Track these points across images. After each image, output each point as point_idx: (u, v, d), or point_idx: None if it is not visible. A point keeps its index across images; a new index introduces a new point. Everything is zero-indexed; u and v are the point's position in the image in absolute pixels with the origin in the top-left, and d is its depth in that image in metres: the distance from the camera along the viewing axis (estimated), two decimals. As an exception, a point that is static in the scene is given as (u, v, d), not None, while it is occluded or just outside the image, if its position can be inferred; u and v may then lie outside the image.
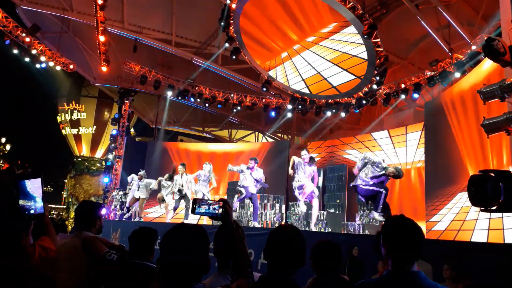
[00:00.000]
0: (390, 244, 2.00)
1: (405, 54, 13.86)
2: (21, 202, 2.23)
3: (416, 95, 12.66)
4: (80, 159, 38.47)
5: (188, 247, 1.69)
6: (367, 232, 9.29)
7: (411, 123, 13.45)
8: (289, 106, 15.23)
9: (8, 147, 42.24)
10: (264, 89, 14.42)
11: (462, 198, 9.02)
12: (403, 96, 12.87)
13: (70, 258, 2.79)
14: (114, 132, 17.84)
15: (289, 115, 16.15)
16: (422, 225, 10.07)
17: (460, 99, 9.99)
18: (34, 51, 14.90)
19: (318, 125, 17.28)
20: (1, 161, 49.13)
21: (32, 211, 2.24)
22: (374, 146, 14.20)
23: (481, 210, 4.99)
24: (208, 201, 2.02)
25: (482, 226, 8.17)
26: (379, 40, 10.95)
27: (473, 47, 10.41)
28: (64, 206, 42.88)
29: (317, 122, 17.07)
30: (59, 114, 38.50)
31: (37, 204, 2.29)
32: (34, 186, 2.32)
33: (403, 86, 12.80)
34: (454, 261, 4.76)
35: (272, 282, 1.90)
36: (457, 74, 11.00)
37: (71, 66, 16.39)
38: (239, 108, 16.56)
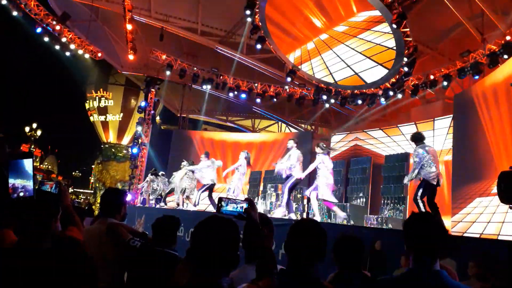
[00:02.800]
0: (410, 240, 1.97)
1: (435, 44, 13.41)
2: (17, 181, 2.18)
3: (445, 87, 12.29)
4: (107, 146, 39.39)
5: (219, 240, 1.66)
6: (390, 226, 9.18)
7: (440, 116, 13.09)
8: (314, 96, 15.08)
9: (39, 132, 43.67)
10: (289, 78, 14.30)
11: (490, 196, 8.77)
12: (432, 88, 12.51)
13: (96, 244, 2.87)
14: (140, 119, 18.14)
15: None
16: (448, 221, 9.89)
17: (493, 92, 9.64)
18: (64, 39, 15.23)
19: (343, 116, 17.08)
20: (33, 146, 50.89)
21: (22, 193, 2.19)
22: (402, 140, 13.93)
23: (510, 208, 4.84)
24: (236, 200, 2.00)
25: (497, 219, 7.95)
26: (408, 29, 10.63)
27: (507, 38, 9.99)
28: (92, 191, 44.16)
29: (342, 113, 16.87)
30: (87, 101, 39.43)
31: (29, 186, 2.23)
32: (28, 166, 2.25)
33: (432, 77, 12.43)
34: (480, 259, 4.64)
35: (292, 275, 1.89)
36: (490, 66, 10.60)
37: (99, 54, 16.70)
38: (262, 97, 16.52)
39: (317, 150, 7.98)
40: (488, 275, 4.32)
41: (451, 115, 12.16)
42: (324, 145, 8.12)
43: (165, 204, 13.17)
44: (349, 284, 2.51)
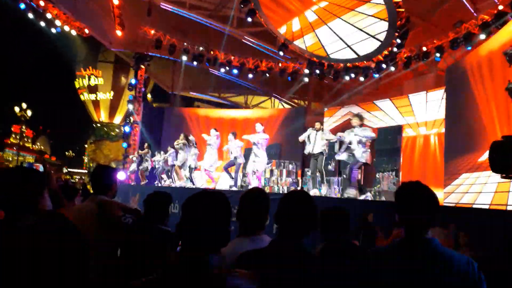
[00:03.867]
0: (402, 208, 1.96)
1: (428, 16, 13.24)
2: None
3: (438, 58, 12.21)
4: (99, 125, 39.11)
5: (209, 215, 1.59)
6: (383, 198, 9.28)
7: (432, 88, 13.07)
8: (306, 71, 14.92)
9: (29, 113, 43.11)
10: (281, 52, 14.12)
11: (481, 167, 8.84)
12: (424, 60, 12.43)
13: (87, 222, 2.83)
14: (131, 97, 17.92)
15: (306, 80, 15.84)
16: (440, 193, 10.00)
17: (488, 62, 9.57)
18: (49, 16, 14.82)
19: (336, 90, 16.97)
20: (24, 127, 50.34)
21: None
22: (394, 112, 13.93)
23: (502, 177, 4.87)
24: None
25: (489, 189, 8.08)
26: (400, 0, 10.48)
27: (500, 7, 9.87)
28: (86, 171, 44.06)
29: (334, 87, 16.76)
30: (77, 80, 38.85)
31: None
32: None
33: (424, 49, 12.33)
34: (468, 228, 4.70)
35: (281, 246, 1.88)
36: (482, 36, 10.51)
37: (86, 31, 16.31)
38: (254, 73, 16.33)
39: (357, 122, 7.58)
40: (477, 244, 4.39)
41: (444, 88, 12.14)
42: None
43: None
44: (337, 254, 2.52)
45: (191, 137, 11.94)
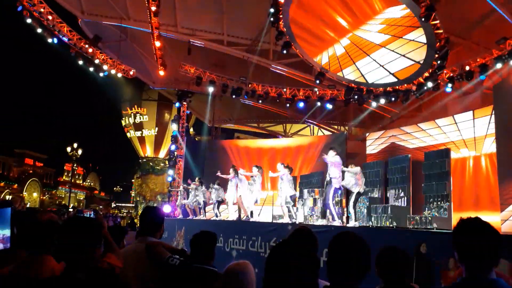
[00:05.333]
0: (462, 249, 1.82)
1: (468, 34, 12.88)
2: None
3: (482, 77, 11.77)
4: (145, 160, 40.45)
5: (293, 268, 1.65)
6: (435, 225, 8.84)
7: (479, 107, 12.54)
8: (345, 97, 14.83)
9: (80, 151, 45.45)
10: (318, 81, 14.16)
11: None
12: (468, 79, 12.01)
13: (135, 264, 2.90)
14: (175, 133, 18.52)
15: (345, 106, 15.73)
16: (496, 217, 9.41)
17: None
18: (97, 61, 15.82)
19: (377, 114, 16.68)
20: (75, 165, 52.88)
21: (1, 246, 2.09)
22: (439, 134, 13.45)
23: None
24: None
25: None
26: (438, 22, 10.28)
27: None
28: (133, 205, 45.33)
29: (375, 112, 16.49)
30: (123, 118, 40.72)
31: (7, 235, 2.16)
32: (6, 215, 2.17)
33: (467, 68, 11.95)
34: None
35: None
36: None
37: (131, 72, 17.23)
38: (292, 102, 16.44)
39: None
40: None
41: (491, 106, 11.63)
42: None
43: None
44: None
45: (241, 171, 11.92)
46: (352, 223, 8.53)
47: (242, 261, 2.54)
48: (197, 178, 14.10)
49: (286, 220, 9.99)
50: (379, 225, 8.42)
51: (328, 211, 9.01)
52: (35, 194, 45.18)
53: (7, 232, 2.22)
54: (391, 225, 8.28)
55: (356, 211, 8.81)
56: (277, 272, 1.65)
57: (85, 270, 1.85)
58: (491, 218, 9.41)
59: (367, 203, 9.23)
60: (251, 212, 11.07)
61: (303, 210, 11.72)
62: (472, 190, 12.00)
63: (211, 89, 16.40)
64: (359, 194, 8.80)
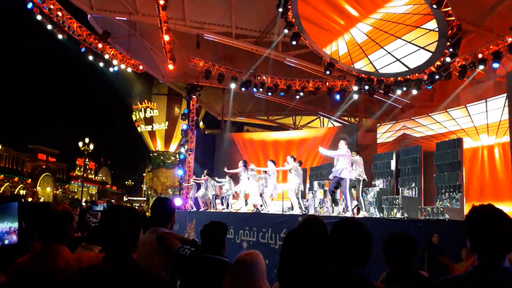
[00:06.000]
0: (475, 237, 1.79)
1: (481, 21, 12.64)
2: (3, 224, 2.10)
3: (496, 65, 11.55)
4: (155, 154, 40.73)
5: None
6: (447, 217, 8.76)
7: (492, 96, 12.33)
8: (355, 88, 14.69)
9: (91, 146, 45.90)
10: (327, 72, 14.03)
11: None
12: (481, 67, 11.80)
13: (147, 254, 2.93)
14: (185, 126, 18.59)
15: (355, 96, 15.59)
16: (509, 207, 9.27)
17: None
18: (106, 56, 15.89)
19: (388, 105, 16.52)
20: (87, 160, 53.45)
21: (6, 241, 2.12)
22: (452, 126, 13.27)
23: None
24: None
25: None
26: (449, 8, 10.10)
27: None
28: (144, 198, 45.75)
29: (386, 102, 16.33)
30: (134, 113, 40.99)
31: (15, 229, 2.17)
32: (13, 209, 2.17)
33: (480, 56, 11.73)
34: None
35: (339, 279, 1.83)
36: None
37: (141, 67, 17.30)
38: (301, 94, 16.35)
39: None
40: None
41: (505, 94, 11.43)
42: None
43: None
44: (402, 284, 2.39)
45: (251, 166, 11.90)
46: (362, 214, 8.50)
47: (253, 251, 2.55)
48: (205, 171, 14.15)
49: (296, 211, 9.99)
50: (389, 216, 8.38)
51: (344, 201, 8.92)
52: (48, 189, 45.84)
53: (16, 225, 2.24)
54: (402, 216, 8.23)
55: (364, 202, 8.80)
56: (291, 259, 1.66)
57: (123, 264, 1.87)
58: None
59: (370, 193, 9.26)
60: (261, 205, 11.09)
61: (314, 202, 11.71)
62: (484, 180, 11.83)
63: (233, 85, 16.38)
64: (364, 182, 8.82)
